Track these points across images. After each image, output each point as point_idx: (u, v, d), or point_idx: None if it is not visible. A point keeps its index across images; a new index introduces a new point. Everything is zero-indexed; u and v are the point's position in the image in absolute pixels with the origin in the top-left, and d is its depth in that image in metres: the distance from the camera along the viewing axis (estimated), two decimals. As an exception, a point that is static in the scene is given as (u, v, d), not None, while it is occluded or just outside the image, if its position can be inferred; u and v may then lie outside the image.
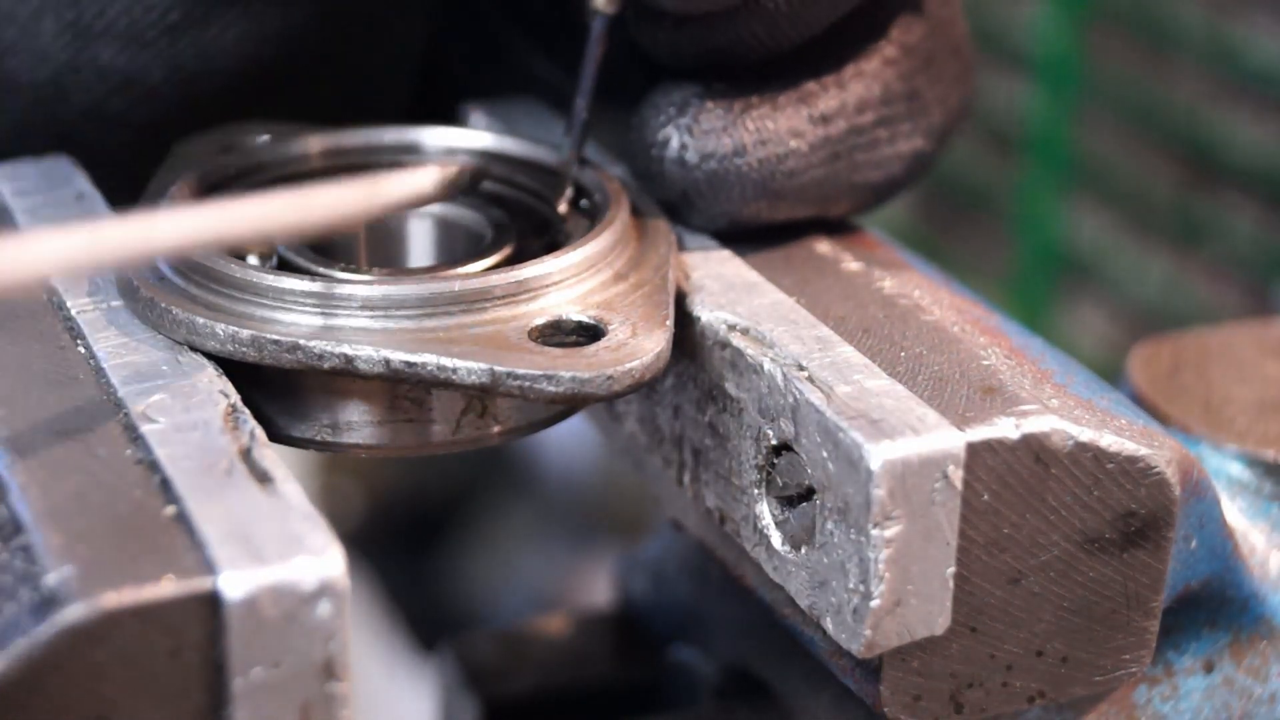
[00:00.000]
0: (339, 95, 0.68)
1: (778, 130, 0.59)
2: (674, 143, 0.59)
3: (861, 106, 0.60)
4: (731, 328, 0.56)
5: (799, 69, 0.60)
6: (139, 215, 0.51)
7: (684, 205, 0.60)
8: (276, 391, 0.55)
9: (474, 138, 0.64)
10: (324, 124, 0.64)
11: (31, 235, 0.48)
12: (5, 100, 0.65)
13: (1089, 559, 0.54)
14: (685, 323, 0.57)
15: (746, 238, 0.61)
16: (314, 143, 0.63)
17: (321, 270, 0.56)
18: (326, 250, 0.58)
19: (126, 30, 0.63)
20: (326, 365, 0.52)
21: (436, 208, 0.62)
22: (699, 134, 0.59)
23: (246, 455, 0.49)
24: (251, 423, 0.50)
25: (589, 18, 0.59)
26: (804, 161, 0.59)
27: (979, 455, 0.51)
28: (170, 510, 0.46)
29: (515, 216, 0.61)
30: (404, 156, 0.64)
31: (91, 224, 0.48)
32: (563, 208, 0.60)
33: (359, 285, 0.53)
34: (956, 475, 0.51)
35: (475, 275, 0.55)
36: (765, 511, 0.54)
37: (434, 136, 0.64)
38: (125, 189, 0.61)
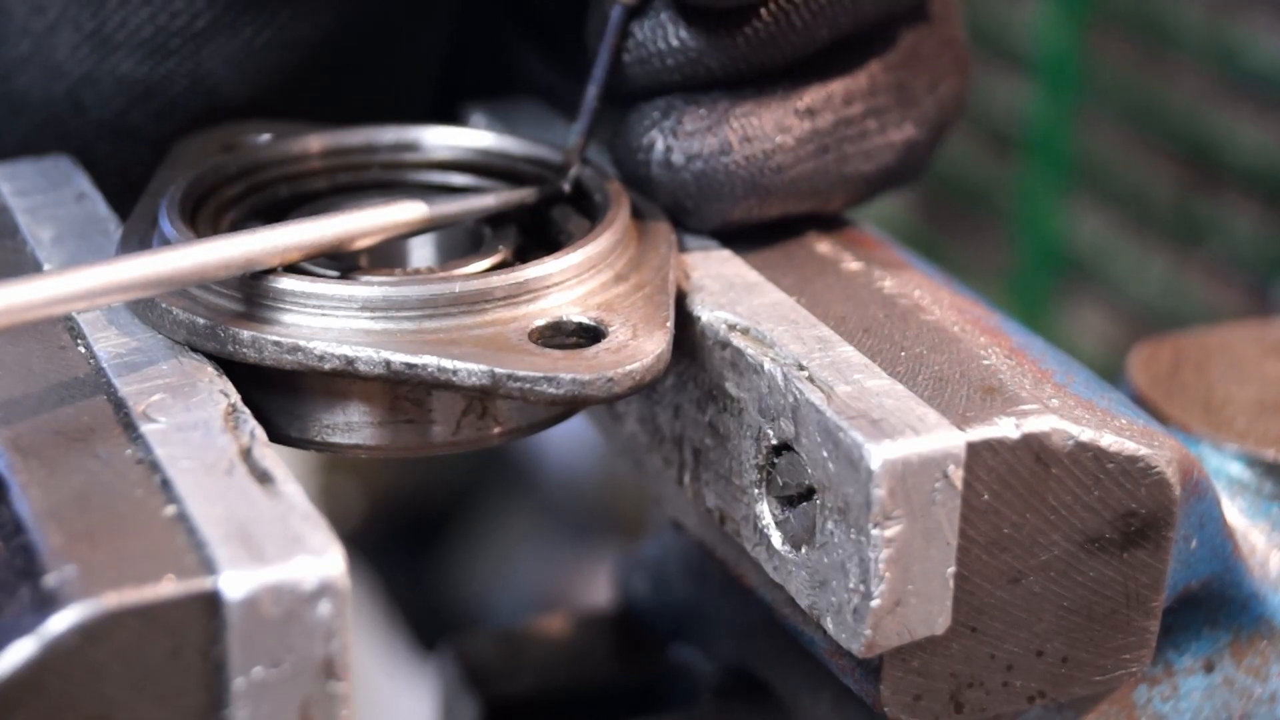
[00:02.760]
0: (357, 106, 0.67)
1: (763, 126, 0.59)
2: (659, 145, 0.59)
3: (848, 98, 0.60)
4: (732, 327, 0.56)
5: (783, 68, 0.60)
6: (166, 249, 0.52)
7: (675, 208, 0.60)
8: (277, 392, 0.55)
9: (474, 137, 0.64)
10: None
11: (65, 272, 0.49)
12: (11, 122, 0.64)
13: (1089, 559, 0.54)
14: (685, 322, 0.57)
15: (746, 237, 0.61)
16: (314, 142, 0.63)
17: (322, 271, 0.56)
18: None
19: (150, 39, 0.62)
20: (327, 366, 0.52)
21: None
22: (683, 135, 0.59)
23: (247, 455, 0.49)
24: (252, 422, 0.50)
25: (608, 6, 0.60)
26: (791, 156, 0.59)
27: (979, 455, 0.51)
28: (170, 510, 0.46)
29: (515, 216, 0.61)
30: (403, 155, 0.64)
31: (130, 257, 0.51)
32: (566, 187, 0.60)
33: (359, 286, 0.53)
34: (957, 475, 0.51)
35: (476, 276, 0.55)
36: (765, 511, 0.54)
37: (434, 136, 0.64)
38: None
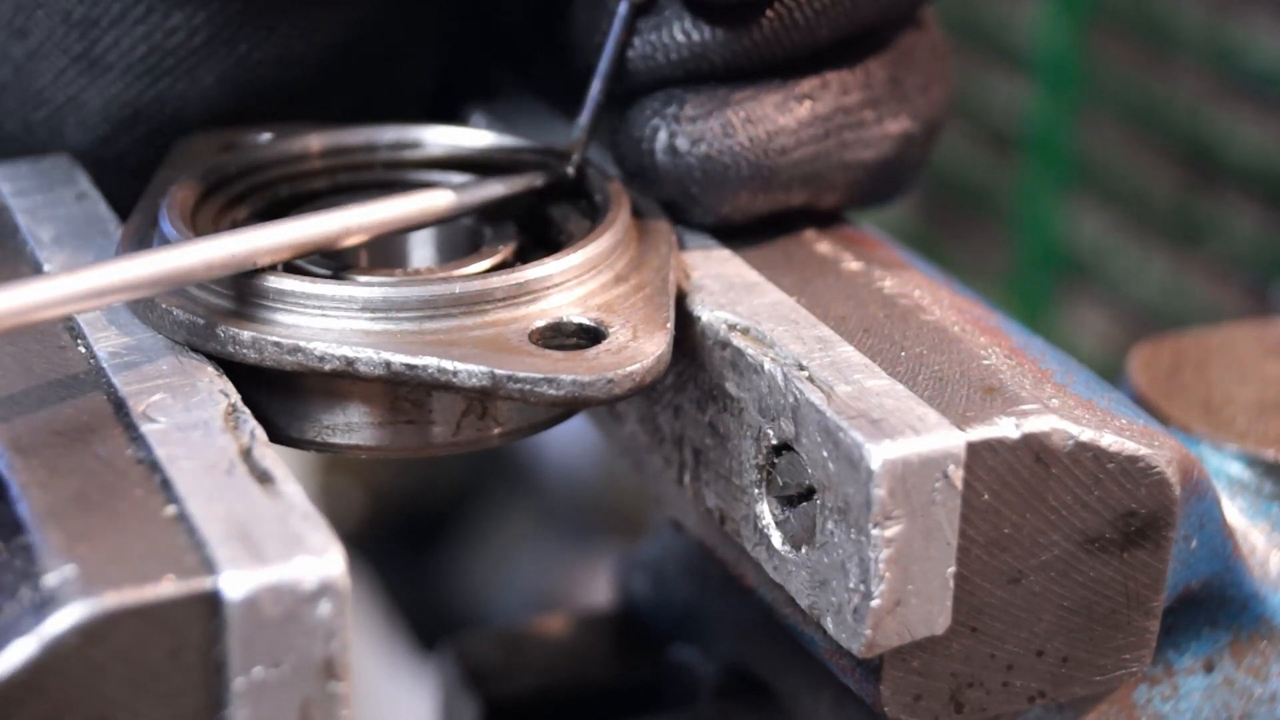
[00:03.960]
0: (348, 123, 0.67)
1: (764, 109, 0.59)
2: (663, 133, 0.59)
3: (845, 88, 0.61)
4: (732, 327, 0.56)
5: (783, 65, 0.61)
6: (172, 246, 0.52)
7: (680, 197, 0.60)
8: (277, 392, 0.55)
9: (474, 136, 0.64)
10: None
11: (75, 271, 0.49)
12: None
13: (1089, 559, 0.54)
14: (686, 322, 0.57)
15: (746, 236, 0.61)
16: (314, 141, 0.63)
17: (322, 272, 0.56)
18: (327, 251, 0.58)
19: (144, 58, 0.61)
20: (327, 367, 0.52)
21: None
22: (686, 121, 0.59)
23: (247, 455, 0.49)
24: (252, 422, 0.50)
25: (612, 4, 0.60)
26: (794, 139, 0.60)
27: (979, 455, 0.51)
28: (170, 510, 0.46)
29: (516, 213, 0.61)
30: (404, 154, 0.64)
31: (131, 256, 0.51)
32: (571, 170, 0.61)
33: (360, 287, 0.53)
34: (957, 475, 0.51)
35: (476, 277, 0.55)
36: (765, 511, 0.54)
37: (434, 135, 0.64)
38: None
